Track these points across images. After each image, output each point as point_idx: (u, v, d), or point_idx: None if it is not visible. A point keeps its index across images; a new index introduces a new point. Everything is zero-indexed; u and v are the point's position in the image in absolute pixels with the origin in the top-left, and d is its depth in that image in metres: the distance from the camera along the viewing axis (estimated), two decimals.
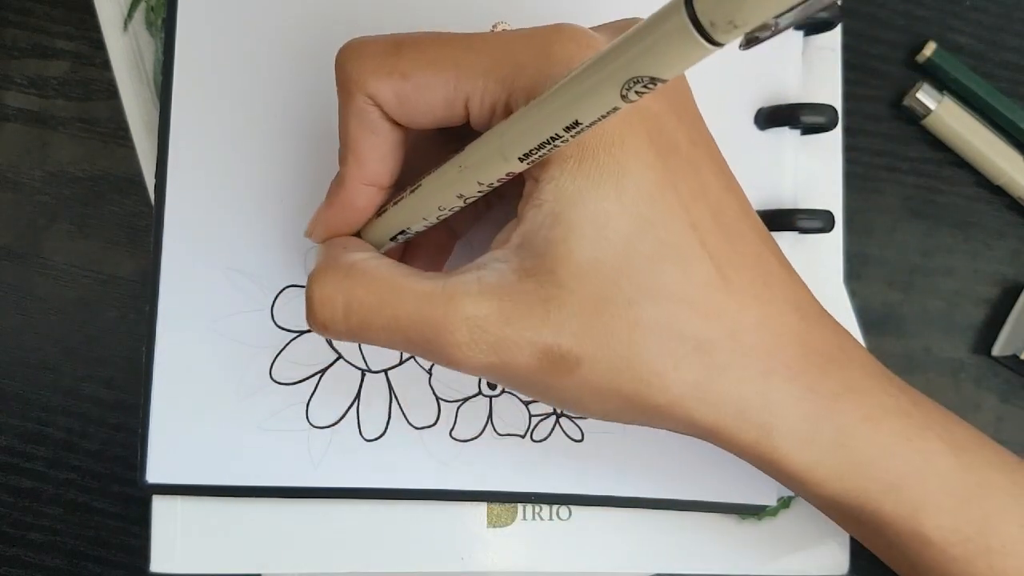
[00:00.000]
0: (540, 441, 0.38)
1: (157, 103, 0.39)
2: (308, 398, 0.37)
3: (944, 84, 0.42)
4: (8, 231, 0.40)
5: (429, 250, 0.35)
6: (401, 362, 0.38)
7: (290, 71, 0.38)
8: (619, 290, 0.26)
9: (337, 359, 0.38)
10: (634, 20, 0.28)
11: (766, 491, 0.38)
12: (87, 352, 0.40)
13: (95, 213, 0.40)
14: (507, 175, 0.26)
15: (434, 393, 0.38)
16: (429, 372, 0.38)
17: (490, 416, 0.38)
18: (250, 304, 0.37)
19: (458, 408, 0.38)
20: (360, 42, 0.28)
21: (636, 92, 0.20)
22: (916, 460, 0.29)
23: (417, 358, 0.38)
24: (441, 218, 0.29)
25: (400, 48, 0.28)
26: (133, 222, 0.40)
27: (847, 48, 0.41)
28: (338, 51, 0.28)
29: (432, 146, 0.32)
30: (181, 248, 0.37)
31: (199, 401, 0.37)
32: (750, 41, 0.18)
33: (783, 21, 0.17)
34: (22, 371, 0.40)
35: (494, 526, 0.39)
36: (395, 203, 0.30)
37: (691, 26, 0.17)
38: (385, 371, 0.38)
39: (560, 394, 0.28)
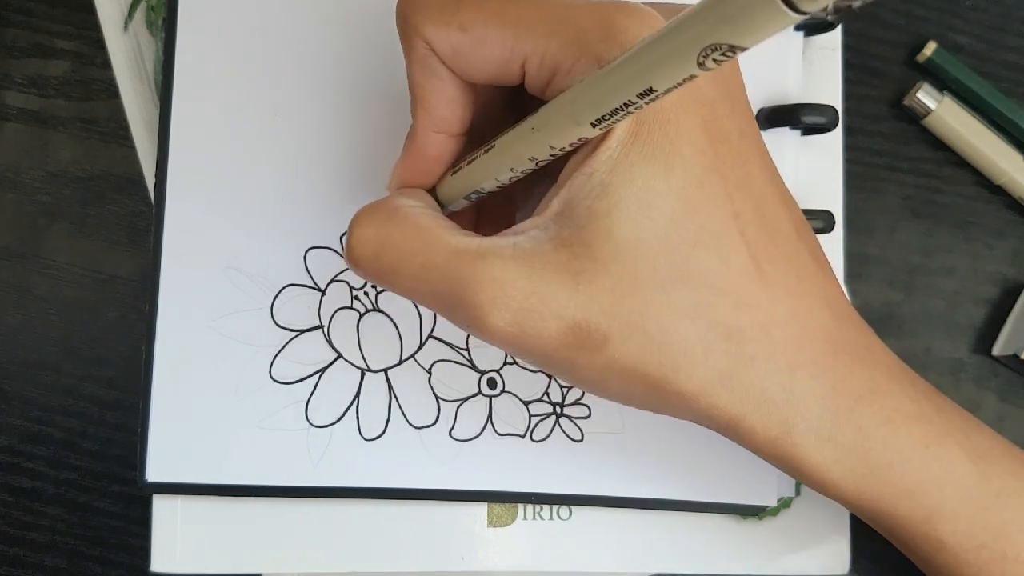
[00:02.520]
0: (540, 441, 0.38)
1: (157, 103, 0.39)
2: (308, 397, 0.37)
3: (944, 84, 0.42)
4: (8, 231, 0.40)
5: (495, 221, 0.34)
6: (401, 361, 0.38)
7: (290, 71, 0.38)
8: (656, 272, 0.26)
9: (337, 358, 0.38)
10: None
11: (767, 492, 0.38)
12: (87, 352, 0.40)
13: (95, 213, 0.40)
14: (578, 140, 0.25)
15: (434, 392, 0.38)
16: (429, 371, 0.38)
17: (490, 416, 0.38)
18: (250, 303, 0.37)
19: (458, 408, 0.38)
20: None
21: (714, 60, 0.19)
22: (934, 467, 0.29)
23: (415, 360, 0.38)
24: (513, 179, 0.28)
25: (460, 1, 0.27)
26: (133, 222, 0.41)
27: (847, 48, 0.41)
28: None
29: (503, 103, 0.31)
30: (181, 248, 0.37)
31: (199, 401, 0.37)
32: (838, 10, 0.17)
33: None
34: (22, 371, 0.40)
35: (494, 526, 0.39)
36: (469, 162, 0.29)
37: None
38: (385, 370, 0.38)
39: (583, 373, 0.28)
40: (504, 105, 0.32)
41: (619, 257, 0.26)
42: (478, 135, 0.30)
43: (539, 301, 0.26)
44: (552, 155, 0.26)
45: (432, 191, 0.31)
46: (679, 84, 0.21)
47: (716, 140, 0.27)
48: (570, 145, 0.25)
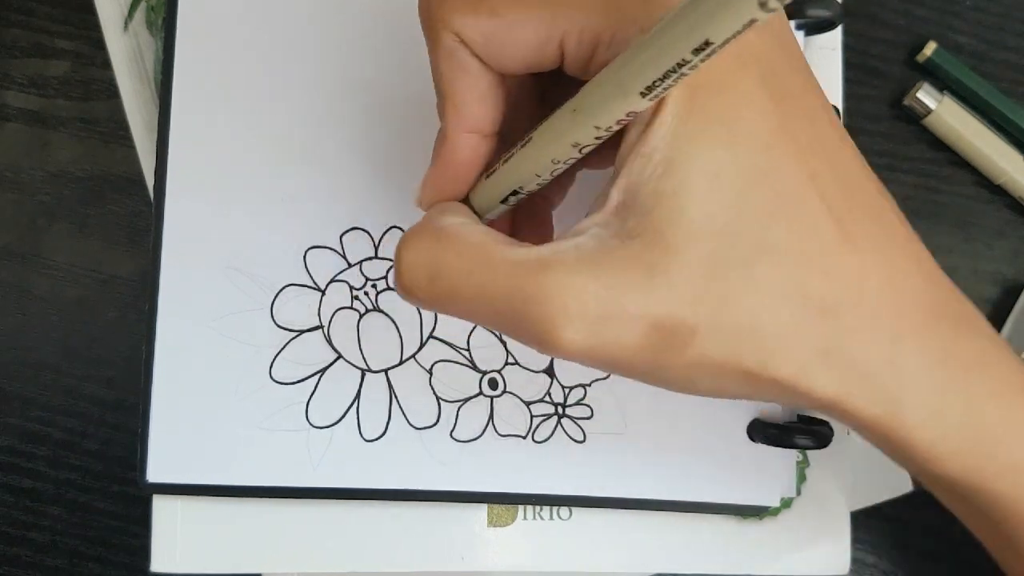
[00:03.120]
0: (542, 442, 0.38)
1: (157, 103, 0.39)
2: (308, 398, 0.37)
3: (944, 84, 0.42)
4: (8, 231, 0.40)
5: (533, 227, 0.33)
6: (401, 361, 0.38)
7: (290, 70, 0.38)
8: (735, 249, 0.24)
9: (337, 359, 0.38)
10: None
11: (769, 492, 0.38)
12: (87, 352, 0.40)
13: (95, 213, 0.40)
14: (627, 116, 0.23)
15: (435, 393, 0.38)
16: (430, 372, 0.38)
17: (491, 417, 0.38)
18: (250, 303, 0.37)
19: (459, 408, 0.38)
20: None
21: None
22: None
23: (415, 361, 0.38)
24: (555, 173, 0.27)
25: None
26: (133, 222, 0.41)
27: (847, 48, 0.41)
28: None
29: (531, 98, 0.30)
30: (181, 248, 0.37)
31: (199, 401, 0.37)
32: None
33: None
34: (22, 371, 0.40)
35: (494, 526, 0.39)
36: (504, 161, 0.28)
37: None
38: (385, 371, 0.38)
39: (670, 374, 0.25)
40: (533, 100, 0.30)
41: (694, 239, 0.23)
42: (507, 137, 0.29)
43: (614, 304, 0.23)
44: (598, 137, 0.24)
45: (465, 202, 0.30)
46: (738, 33, 0.19)
47: (779, 98, 0.25)
48: (617, 123, 0.24)
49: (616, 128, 0.24)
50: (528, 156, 0.26)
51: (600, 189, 0.26)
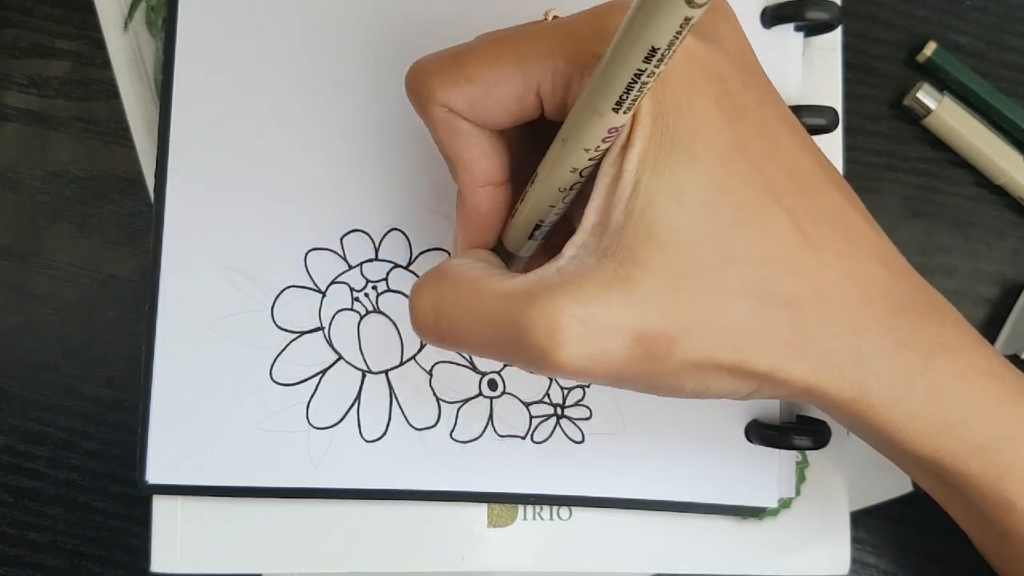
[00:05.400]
0: (541, 442, 0.38)
1: (157, 103, 0.39)
2: (308, 399, 0.37)
3: (944, 84, 0.42)
4: (8, 231, 0.40)
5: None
6: (402, 363, 0.38)
7: (290, 70, 0.38)
8: (701, 259, 0.25)
9: (337, 360, 0.38)
10: None
11: (767, 493, 0.38)
12: (87, 352, 0.40)
13: (95, 213, 0.40)
14: (608, 133, 0.25)
15: (434, 394, 0.38)
16: (429, 373, 0.38)
17: (491, 417, 0.38)
18: (250, 304, 0.37)
19: (459, 409, 0.38)
20: (422, 60, 0.29)
21: None
22: (1008, 424, 0.29)
23: (415, 362, 0.38)
24: (566, 200, 0.28)
25: (460, 57, 0.27)
26: (133, 222, 0.40)
27: (847, 48, 0.41)
28: (405, 75, 0.29)
29: (533, 141, 0.31)
30: (181, 248, 0.37)
31: (199, 401, 0.37)
32: None
33: None
34: (22, 371, 0.40)
35: (494, 526, 0.39)
36: (521, 200, 0.29)
37: None
38: (385, 372, 0.38)
39: (658, 380, 0.27)
40: (534, 140, 0.31)
41: (663, 252, 0.25)
42: (521, 179, 0.30)
43: (596, 323, 0.25)
44: (591, 159, 0.26)
45: (500, 247, 0.31)
46: (680, 33, 0.20)
47: (733, 117, 0.26)
48: (603, 142, 0.25)
49: (603, 147, 0.25)
50: (539, 191, 0.28)
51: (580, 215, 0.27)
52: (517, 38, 0.27)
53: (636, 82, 0.22)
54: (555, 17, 0.30)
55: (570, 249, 0.26)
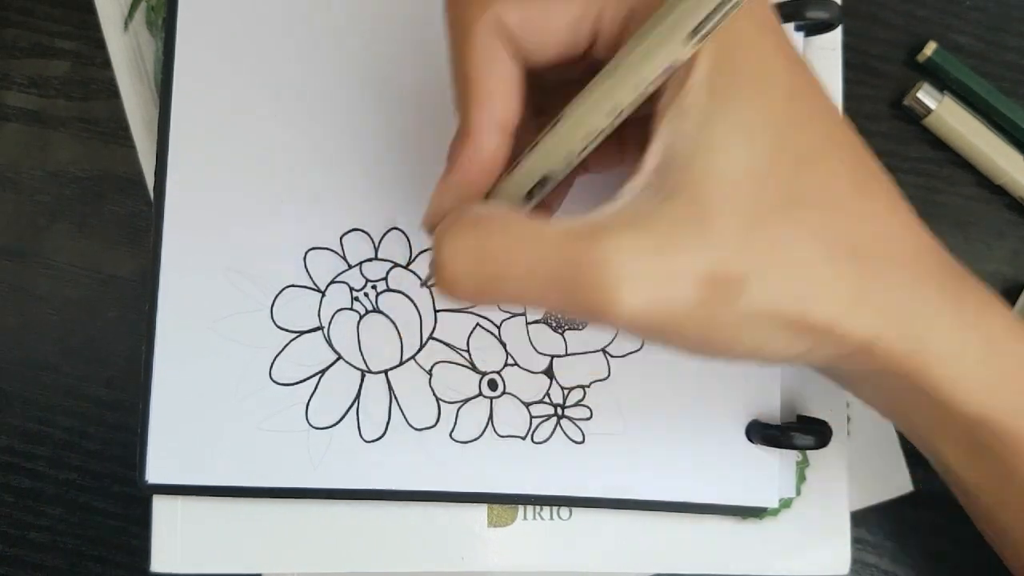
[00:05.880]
0: (541, 443, 0.38)
1: (157, 103, 0.39)
2: (308, 399, 0.37)
3: (944, 84, 0.42)
4: (8, 231, 0.40)
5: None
6: (401, 362, 0.38)
7: (290, 70, 0.38)
8: (771, 198, 0.24)
9: (337, 360, 0.38)
10: None
11: (768, 493, 0.38)
12: (87, 352, 0.40)
13: (95, 213, 0.40)
14: (668, 67, 0.24)
15: (434, 394, 0.38)
16: (429, 373, 0.38)
17: (491, 418, 0.38)
18: (250, 304, 0.37)
19: (458, 409, 0.38)
20: None
21: None
22: None
23: (415, 362, 0.38)
24: (586, 152, 0.26)
25: None
26: (133, 222, 0.40)
27: (847, 48, 0.41)
28: None
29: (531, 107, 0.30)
30: (181, 248, 0.37)
31: (199, 401, 0.37)
32: None
33: None
34: (22, 371, 0.40)
35: (494, 526, 0.39)
36: (531, 149, 0.27)
37: None
38: (385, 372, 0.38)
39: (717, 331, 0.25)
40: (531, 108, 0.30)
41: (736, 189, 0.24)
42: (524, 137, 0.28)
43: (667, 261, 0.23)
44: (639, 94, 0.25)
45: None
46: None
47: (791, 62, 0.26)
48: (659, 76, 0.24)
49: (652, 85, 0.24)
50: (560, 135, 0.26)
51: (630, 164, 0.26)
52: None
53: (721, 12, 0.22)
54: None
55: (628, 192, 0.25)
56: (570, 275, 0.24)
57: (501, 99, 0.27)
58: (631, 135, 0.28)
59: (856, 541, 0.40)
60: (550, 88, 0.28)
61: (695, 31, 0.22)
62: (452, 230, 0.25)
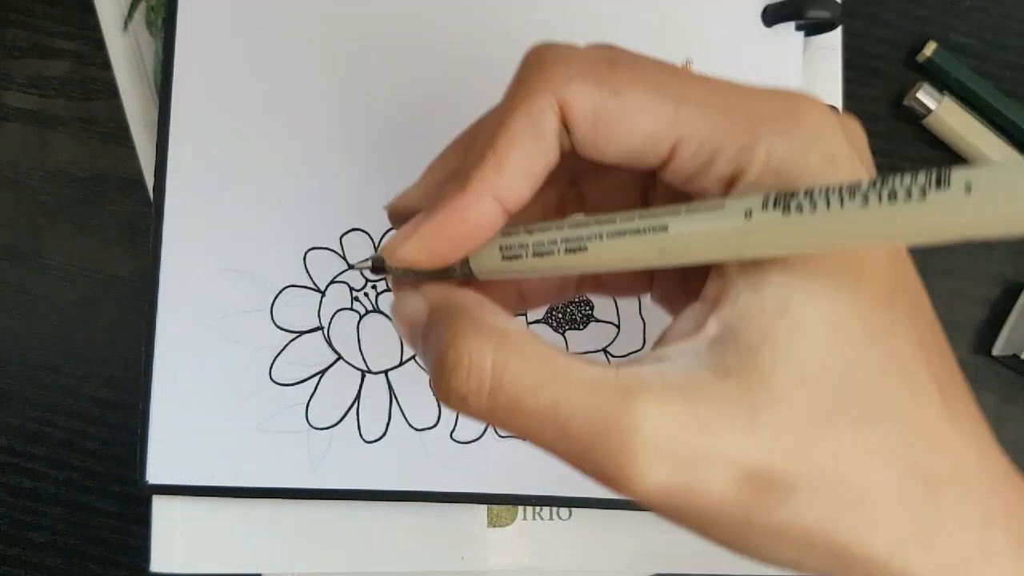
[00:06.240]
0: None
1: (157, 103, 0.39)
2: (308, 399, 0.37)
3: (944, 84, 0.42)
4: (8, 231, 0.40)
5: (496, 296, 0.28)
6: (401, 363, 0.38)
7: (290, 71, 0.38)
8: (846, 407, 0.21)
9: (337, 360, 0.38)
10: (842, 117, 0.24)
11: None
12: (87, 352, 0.40)
13: (95, 213, 0.40)
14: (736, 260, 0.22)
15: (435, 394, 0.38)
16: None
17: None
18: (250, 304, 0.37)
19: None
20: (566, 46, 0.23)
21: None
22: None
23: (415, 362, 0.38)
24: (611, 271, 0.24)
25: (616, 62, 0.23)
26: (133, 222, 0.40)
27: (847, 48, 0.41)
28: (534, 47, 0.24)
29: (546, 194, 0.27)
30: (181, 248, 0.37)
31: (199, 402, 0.37)
32: None
33: None
34: (22, 371, 0.40)
35: (494, 526, 0.39)
36: (538, 254, 0.24)
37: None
38: (385, 372, 0.38)
39: (753, 536, 0.22)
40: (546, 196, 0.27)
41: (804, 388, 0.21)
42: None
43: (708, 443, 0.21)
44: (684, 264, 0.22)
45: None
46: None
47: (894, 255, 0.23)
48: (738, 260, 0.22)
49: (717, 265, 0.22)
50: (576, 262, 0.24)
51: (680, 316, 0.24)
52: (683, 75, 0.23)
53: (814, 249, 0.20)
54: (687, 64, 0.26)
55: (677, 354, 0.22)
56: (587, 430, 0.21)
57: (515, 179, 0.24)
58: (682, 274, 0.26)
59: None
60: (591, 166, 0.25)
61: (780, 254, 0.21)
62: (470, 338, 0.23)
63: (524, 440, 0.23)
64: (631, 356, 0.22)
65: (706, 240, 0.21)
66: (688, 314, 0.23)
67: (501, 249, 0.25)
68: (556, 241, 0.24)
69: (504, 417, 0.22)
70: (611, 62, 0.23)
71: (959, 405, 0.23)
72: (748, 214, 0.21)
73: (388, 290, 0.38)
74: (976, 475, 0.23)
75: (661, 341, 0.23)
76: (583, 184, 0.27)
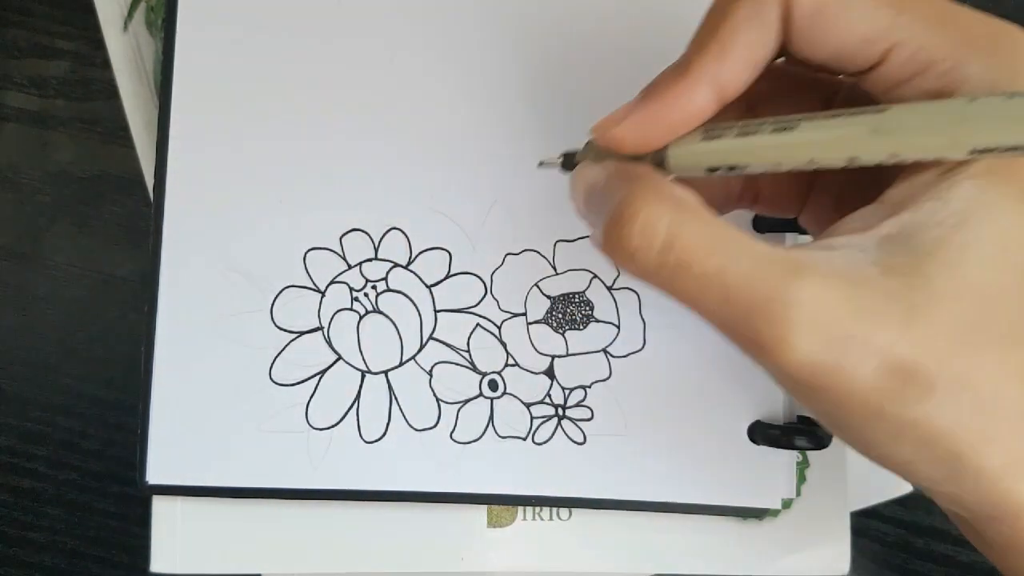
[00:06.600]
0: (542, 444, 0.38)
1: (157, 103, 0.39)
2: (308, 399, 0.37)
3: None
4: (8, 231, 0.40)
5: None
6: (401, 363, 0.38)
7: (290, 70, 0.38)
8: (997, 325, 0.22)
9: (337, 360, 0.38)
10: None
11: (770, 495, 0.38)
12: (87, 352, 0.40)
13: (95, 213, 0.40)
14: (933, 160, 0.23)
15: (434, 395, 0.38)
16: (429, 373, 0.38)
17: (491, 418, 0.38)
18: (250, 305, 0.37)
19: (459, 410, 0.38)
20: None
21: None
22: None
23: (415, 362, 0.38)
24: (793, 170, 0.24)
25: None
26: (133, 222, 0.40)
27: None
28: None
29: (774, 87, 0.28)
30: (181, 248, 0.37)
31: (199, 402, 0.37)
32: None
33: None
34: (22, 371, 0.40)
35: (494, 526, 0.39)
36: (742, 133, 0.25)
37: None
38: (385, 372, 0.38)
39: (878, 429, 0.23)
40: (774, 91, 0.28)
41: (964, 298, 0.22)
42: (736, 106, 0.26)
43: (862, 329, 0.22)
44: (881, 163, 0.23)
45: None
46: None
47: None
48: (915, 160, 0.23)
49: (906, 165, 0.23)
50: (781, 144, 0.24)
51: (855, 213, 0.24)
52: None
53: (1015, 150, 0.20)
54: None
55: (847, 244, 0.23)
56: (750, 299, 0.22)
57: (735, 63, 0.24)
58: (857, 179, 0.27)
59: (856, 541, 0.40)
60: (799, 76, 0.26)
61: (980, 152, 0.21)
62: (650, 198, 0.23)
63: (683, 304, 0.24)
64: (800, 243, 0.24)
65: (923, 121, 0.22)
66: (860, 214, 0.24)
67: (704, 131, 0.25)
68: (765, 122, 0.24)
69: (670, 277, 0.23)
70: None
71: None
72: (972, 99, 0.21)
73: (389, 290, 0.38)
74: None
75: (828, 233, 0.24)
76: (760, 110, 0.28)
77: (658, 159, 0.26)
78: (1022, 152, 0.21)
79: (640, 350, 0.38)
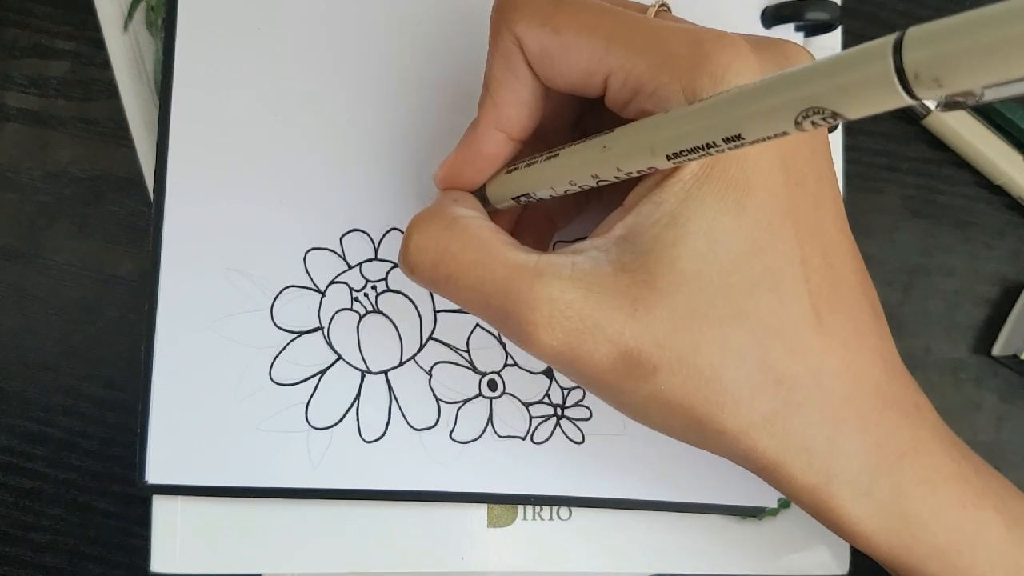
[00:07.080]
0: (541, 443, 0.38)
1: (157, 103, 0.39)
2: (308, 399, 0.37)
3: None
4: (8, 231, 0.40)
5: (533, 234, 0.35)
6: (401, 363, 0.38)
7: (290, 70, 0.38)
8: (714, 308, 0.26)
9: (337, 360, 0.38)
10: (784, 42, 0.29)
11: (768, 493, 0.38)
12: (87, 352, 0.40)
13: (95, 213, 0.40)
14: (648, 169, 0.25)
15: (434, 394, 0.38)
16: (429, 373, 0.38)
17: (490, 418, 0.38)
18: (250, 304, 0.37)
19: (458, 409, 0.38)
20: None
21: (811, 122, 0.19)
22: (968, 528, 0.29)
23: (415, 362, 0.38)
24: (568, 192, 0.28)
25: (559, 3, 0.27)
26: (133, 222, 0.40)
27: (847, 48, 0.41)
28: None
29: (568, 118, 0.32)
30: (181, 248, 0.37)
31: (199, 401, 0.37)
32: (949, 105, 0.18)
33: (989, 93, 0.17)
34: (22, 371, 0.40)
35: (494, 526, 0.39)
36: (527, 165, 0.29)
37: (894, 74, 0.17)
38: (385, 372, 0.38)
39: (627, 399, 0.28)
40: (569, 119, 0.32)
41: (680, 289, 0.26)
42: (536, 144, 0.30)
43: (593, 324, 0.26)
44: (617, 177, 0.26)
45: (478, 191, 0.32)
46: (768, 138, 0.21)
47: (793, 183, 0.27)
48: (637, 172, 0.25)
49: (635, 175, 0.26)
50: (550, 169, 0.28)
51: (606, 218, 0.28)
52: (615, 17, 0.27)
53: (703, 150, 0.23)
54: (663, 7, 0.29)
55: (589, 249, 0.27)
56: (505, 303, 0.26)
57: (509, 109, 0.29)
58: (609, 192, 0.30)
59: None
60: (603, 111, 0.29)
61: (675, 156, 0.24)
62: (426, 222, 0.28)
63: (456, 304, 0.28)
64: (568, 245, 0.29)
65: (630, 136, 0.25)
66: (608, 219, 0.28)
67: (506, 170, 0.30)
68: (541, 154, 0.29)
69: (444, 288, 0.28)
70: (555, 3, 0.27)
71: (834, 323, 0.27)
72: (666, 112, 0.24)
73: (389, 290, 0.38)
74: (834, 382, 0.27)
75: (587, 237, 0.28)
76: (585, 123, 0.32)
77: (481, 193, 0.31)
78: (709, 152, 0.22)
79: None
